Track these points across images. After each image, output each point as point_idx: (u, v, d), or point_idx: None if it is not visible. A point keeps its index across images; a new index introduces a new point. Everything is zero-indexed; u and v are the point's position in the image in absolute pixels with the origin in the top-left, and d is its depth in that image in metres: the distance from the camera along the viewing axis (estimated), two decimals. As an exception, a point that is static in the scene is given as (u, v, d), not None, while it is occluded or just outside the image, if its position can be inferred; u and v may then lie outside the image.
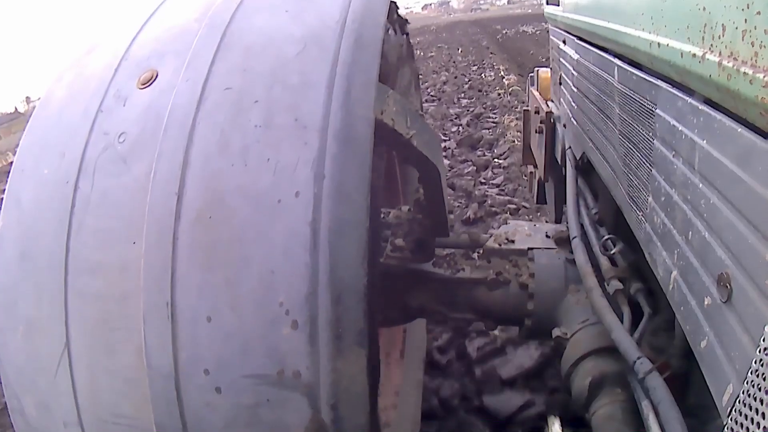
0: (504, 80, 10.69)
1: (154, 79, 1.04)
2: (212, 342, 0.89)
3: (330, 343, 0.87)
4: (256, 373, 0.88)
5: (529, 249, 1.87)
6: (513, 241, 1.93)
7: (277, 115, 0.95)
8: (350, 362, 0.90)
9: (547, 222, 2.89)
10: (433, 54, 19.24)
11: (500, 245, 1.92)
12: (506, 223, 2.08)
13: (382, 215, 1.95)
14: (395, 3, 1.68)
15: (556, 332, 1.60)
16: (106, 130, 1.02)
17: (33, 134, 1.13)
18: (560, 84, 2.29)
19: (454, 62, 15.84)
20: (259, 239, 0.89)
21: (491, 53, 16.65)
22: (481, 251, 1.93)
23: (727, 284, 0.71)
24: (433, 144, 1.46)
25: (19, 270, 1.03)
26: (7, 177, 1.14)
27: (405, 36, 1.80)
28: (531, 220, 2.12)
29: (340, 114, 0.95)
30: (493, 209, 4.44)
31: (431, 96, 10.40)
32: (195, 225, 0.91)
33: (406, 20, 1.80)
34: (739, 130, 0.68)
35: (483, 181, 5.30)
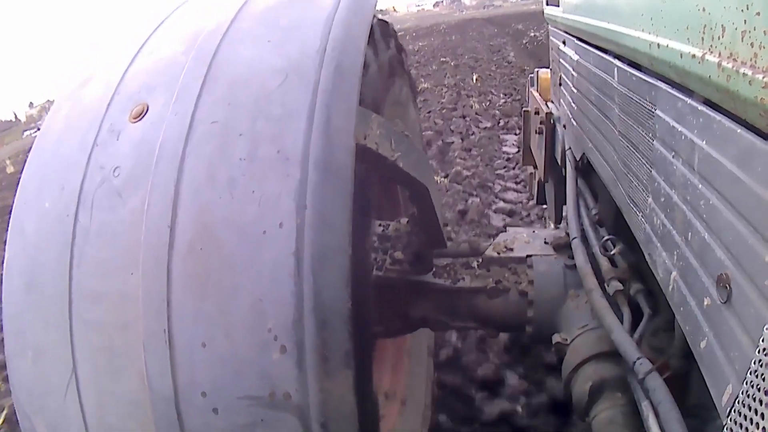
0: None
1: (145, 113, 1.08)
2: (208, 366, 0.93)
3: (317, 365, 0.91)
4: (250, 395, 0.92)
5: (528, 256, 1.89)
6: (512, 249, 1.95)
7: (261, 147, 0.98)
8: (338, 383, 0.93)
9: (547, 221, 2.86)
10: (426, 86, 10.49)
11: (499, 253, 1.94)
12: (505, 231, 2.09)
13: (381, 228, 1.97)
14: (384, 21, 1.70)
15: (556, 338, 1.61)
16: (101, 164, 1.06)
17: (34, 166, 1.18)
18: (560, 85, 2.29)
19: (464, 114, 7.61)
20: (247, 269, 0.93)
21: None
22: (480, 260, 1.95)
23: (727, 285, 0.71)
24: (421, 163, 1.48)
25: (26, 299, 1.08)
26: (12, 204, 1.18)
27: (396, 49, 1.82)
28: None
29: (321, 144, 0.97)
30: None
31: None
32: (187, 256, 0.95)
33: (395, 33, 1.82)
34: (739, 131, 0.68)
35: None
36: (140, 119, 1.07)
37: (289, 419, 0.92)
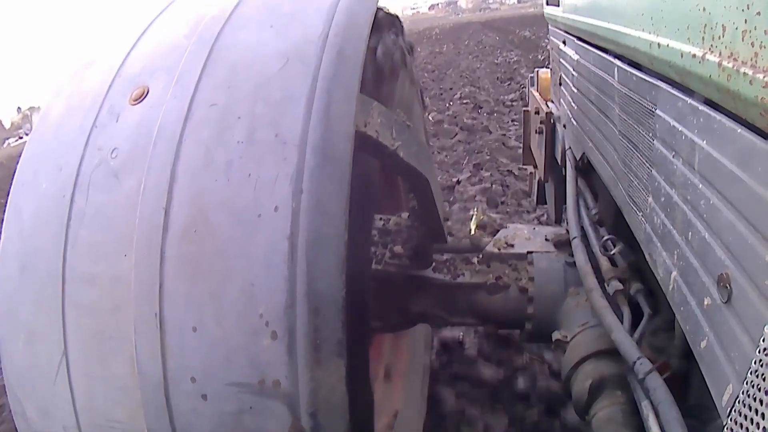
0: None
1: (145, 96, 1.07)
2: (198, 351, 0.92)
3: (308, 353, 0.90)
4: (239, 382, 0.91)
5: (529, 253, 1.87)
6: (512, 245, 1.94)
7: (259, 131, 0.97)
8: (329, 372, 0.92)
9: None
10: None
11: (499, 249, 1.93)
12: (506, 227, 2.08)
13: (382, 222, 1.96)
14: (388, 12, 1.69)
15: (556, 335, 1.61)
16: (100, 145, 1.06)
17: (33, 147, 1.17)
18: (560, 84, 2.29)
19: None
20: (240, 253, 0.92)
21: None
22: (480, 256, 1.94)
23: (727, 285, 0.71)
24: (421, 154, 1.47)
25: (19, 280, 1.07)
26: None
27: (402, 41, 1.81)
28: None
29: (319, 128, 0.96)
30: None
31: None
32: (181, 239, 0.94)
33: (401, 24, 1.81)
34: (739, 130, 0.68)
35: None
36: (140, 102, 1.07)
37: (278, 407, 0.91)
